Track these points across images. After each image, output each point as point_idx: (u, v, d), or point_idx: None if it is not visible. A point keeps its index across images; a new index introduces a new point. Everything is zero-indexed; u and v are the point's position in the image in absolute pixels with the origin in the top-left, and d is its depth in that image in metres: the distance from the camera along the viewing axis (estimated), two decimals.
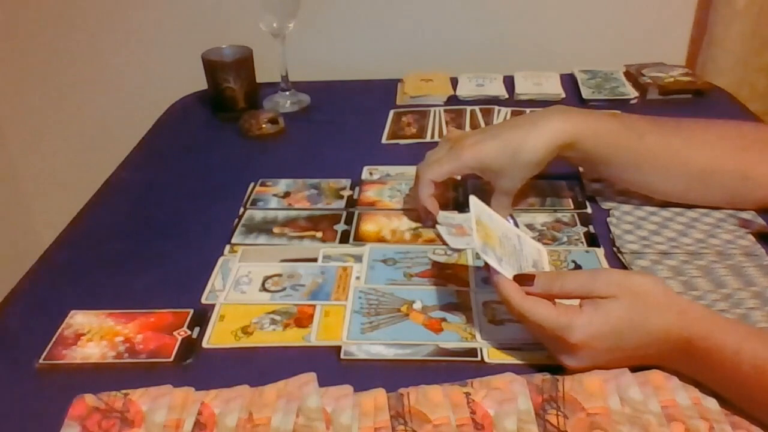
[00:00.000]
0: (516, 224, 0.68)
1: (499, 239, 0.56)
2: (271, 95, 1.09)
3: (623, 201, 0.75)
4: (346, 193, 0.81)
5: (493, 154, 0.68)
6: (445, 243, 0.70)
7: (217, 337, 0.58)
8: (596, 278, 0.51)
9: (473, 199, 0.57)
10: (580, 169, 0.81)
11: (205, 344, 0.58)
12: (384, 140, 0.96)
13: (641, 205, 0.74)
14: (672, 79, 1.06)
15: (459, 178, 0.80)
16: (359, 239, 0.72)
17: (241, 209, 0.78)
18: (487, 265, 0.53)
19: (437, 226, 0.72)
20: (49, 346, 0.58)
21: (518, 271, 0.54)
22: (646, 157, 0.68)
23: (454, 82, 1.12)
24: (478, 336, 0.57)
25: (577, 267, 0.66)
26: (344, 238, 0.72)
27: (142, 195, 0.85)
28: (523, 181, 0.70)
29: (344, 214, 0.76)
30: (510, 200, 0.72)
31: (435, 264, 0.67)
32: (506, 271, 0.53)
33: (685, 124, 0.71)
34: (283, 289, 0.64)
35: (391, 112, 1.04)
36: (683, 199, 0.72)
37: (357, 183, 0.83)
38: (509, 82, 1.11)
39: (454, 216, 0.74)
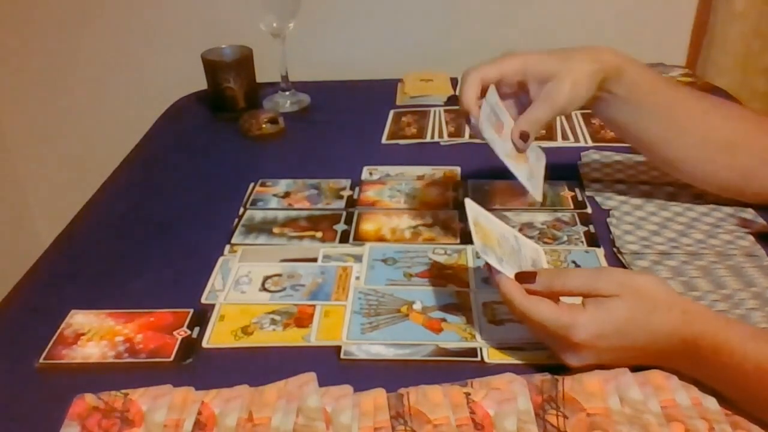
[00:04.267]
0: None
1: (498, 240, 0.56)
2: (271, 95, 1.09)
3: (623, 201, 0.75)
4: (346, 193, 0.81)
5: (543, 56, 0.65)
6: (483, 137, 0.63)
7: (217, 337, 0.58)
8: (599, 277, 0.51)
9: (469, 202, 0.57)
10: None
11: (205, 344, 0.58)
12: (384, 140, 0.96)
13: (641, 205, 0.74)
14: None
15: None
16: (359, 239, 0.72)
17: (241, 209, 0.78)
18: (488, 265, 0.54)
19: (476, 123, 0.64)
20: (49, 346, 0.58)
21: (518, 270, 0.54)
22: (680, 109, 0.67)
23: (454, 82, 1.12)
24: (478, 336, 0.57)
25: (577, 267, 0.66)
26: (344, 238, 0.72)
27: (142, 195, 0.85)
28: (567, 99, 0.63)
29: (344, 214, 0.76)
30: (546, 117, 0.64)
31: (435, 264, 0.67)
32: (507, 271, 0.53)
33: (711, 96, 0.71)
34: (283, 289, 0.64)
35: (391, 112, 1.04)
36: (702, 173, 0.70)
37: (357, 183, 0.83)
38: None
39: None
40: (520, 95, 0.66)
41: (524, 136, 0.63)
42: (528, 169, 0.63)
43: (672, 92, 0.68)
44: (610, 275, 0.51)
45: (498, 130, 0.63)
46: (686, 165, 0.70)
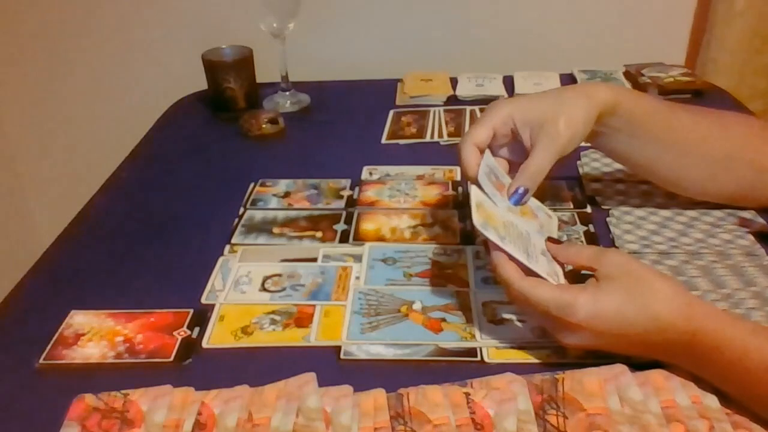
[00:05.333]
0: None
1: (503, 223, 0.55)
2: (271, 95, 1.09)
3: (623, 201, 0.75)
4: (346, 193, 0.81)
5: (531, 100, 0.62)
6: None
7: (217, 337, 0.58)
8: (605, 254, 0.52)
9: (473, 189, 0.56)
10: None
11: (205, 344, 0.58)
12: (384, 140, 0.96)
13: (641, 205, 0.74)
14: (671, 79, 1.06)
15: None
16: (359, 239, 0.72)
17: (241, 209, 0.78)
18: (485, 244, 0.53)
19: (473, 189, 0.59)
20: (49, 346, 0.58)
21: (524, 253, 0.53)
22: (678, 132, 0.67)
23: (454, 82, 1.12)
24: (477, 336, 0.57)
25: None
26: (344, 238, 0.72)
27: (142, 195, 0.85)
28: (566, 139, 0.59)
29: (344, 214, 0.76)
30: (547, 164, 0.59)
31: (435, 264, 0.67)
32: (509, 249, 0.52)
33: (707, 109, 0.70)
34: (283, 289, 0.64)
35: (391, 112, 1.04)
36: (703, 189, 0.70)
37: (357, 183, 0.83)
38: (509, 82, 1.11)
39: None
40: (513, 142, 0.63)
41: (523, 192, 0.58)
42: (537, 225, 0.60)
43: (669, 115, 0.67)
44: (615, 256, 0.52)
45: (498, 188, 0.59)
46: (688, 183, 0.70)
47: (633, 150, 0.67)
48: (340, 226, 0.74)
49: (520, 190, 0.58)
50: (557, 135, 0.59)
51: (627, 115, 0.64)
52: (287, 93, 1.08)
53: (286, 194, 0.81)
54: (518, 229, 0.56)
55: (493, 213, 0.56)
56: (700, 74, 1.16)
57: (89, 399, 0.51)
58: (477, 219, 0.53)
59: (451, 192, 0.80)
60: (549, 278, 0.53)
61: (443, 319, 0.60)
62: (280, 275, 0.66)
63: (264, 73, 1.07)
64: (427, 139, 0.95)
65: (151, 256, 0.71)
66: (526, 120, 0.60)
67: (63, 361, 0.56)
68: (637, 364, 0.52)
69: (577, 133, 0.61)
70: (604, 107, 0.62)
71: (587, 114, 0.61)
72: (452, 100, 1.07)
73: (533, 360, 0.55)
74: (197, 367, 0.56)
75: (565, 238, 0.70)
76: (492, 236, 0.52)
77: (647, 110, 0.65)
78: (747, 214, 0.71)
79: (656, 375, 0.51)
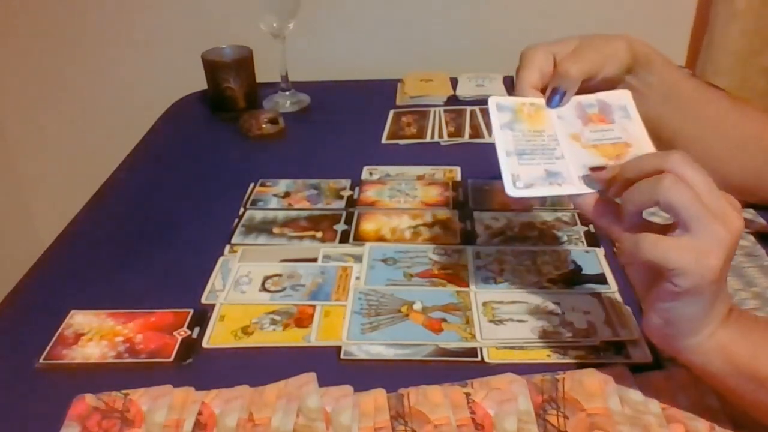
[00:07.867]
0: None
1: (535, 130, 0.52)
2: (271, 95, 1.09)
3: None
4: (346, 193, 0.81)
5: (569, 39, 0.61)
6: None
7: (217, 337, 0.58)
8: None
9: (626, 93, 0.55)
10: None
11: (205, 344, 0.58)
12: (384, 140, 0.96)
13: None
14: None
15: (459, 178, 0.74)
16: (359, 239, 0.72)
17: (241, 209, 0.78)
18: None
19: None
20: (49, 346, 0.58)
21: (510, 150, 0.50)
22: (703, 104, 0.67)
23: (454, 82, 1.12)
24: (478, 336, 0.57)
25: (578, 267, 0.66)
26: (344, 238, 0.72)
27: (142, 195, 0.85)
28: (603, 55, 0.60)
29: (344, 214, 0.76)
30: (580, 69, 0.58)
31: (435, 264, 0.67)
32: (498, 138, 0.50)
33: (723, 92, 0.71)
34: (283, 289, 0.64)
35: (391, 112, 1.04)
36: (716, 172, 0.65)
37: (357, 183, 0.83)
38: (509, 82, 1.11)
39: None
40: None
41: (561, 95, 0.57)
42: (597, 161, 0.51)
43: (695, 87, 0.67)
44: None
45: (585, 119, 0.55)
46: (703, 162, 0.68)
47: (663, 117, 0.65)
48: (341, 227, 0.74)
49: (559, 92, 0.57)
50: (591, 47, 0.59)
51: (659, 74, 0.64)
52: (287, 93, 1.08)
53: (286, 194, 0.81)
54: (552, 144, 0.51)
55: (545, 119, 0.53)
56: (700, 75, 1.16)
57: (89, 399, 0.51)
58: (503, 99, 0.51)
59: (451, 192, 0.80)
60: (505, 180, 0.48)
61: (443, 319, 0.59)
62: (280, 275, 0.66)
63: (264, 73, 1.07)
64: (428, 139, 0.95)
65: (151, 256, 0.71)
66: (566, 52, 0.60)
67: (63, 361, 0.56)
68: (638, 366, 0.52)
69: (613, 56, 0.60)
70: (638, 56, 0.62)
71: (622, 47, 0.61)
72: (452, 100, 1.07)
73: (533, 360, 0.54)
74: (197, 367, 0.56)
75: (565, 238, 0.70)
76: (495, 115, 0.51)
77: (677, 75, 0.66)
78: (747, 215, 0.71)
79: (656, 376, 0.51)
